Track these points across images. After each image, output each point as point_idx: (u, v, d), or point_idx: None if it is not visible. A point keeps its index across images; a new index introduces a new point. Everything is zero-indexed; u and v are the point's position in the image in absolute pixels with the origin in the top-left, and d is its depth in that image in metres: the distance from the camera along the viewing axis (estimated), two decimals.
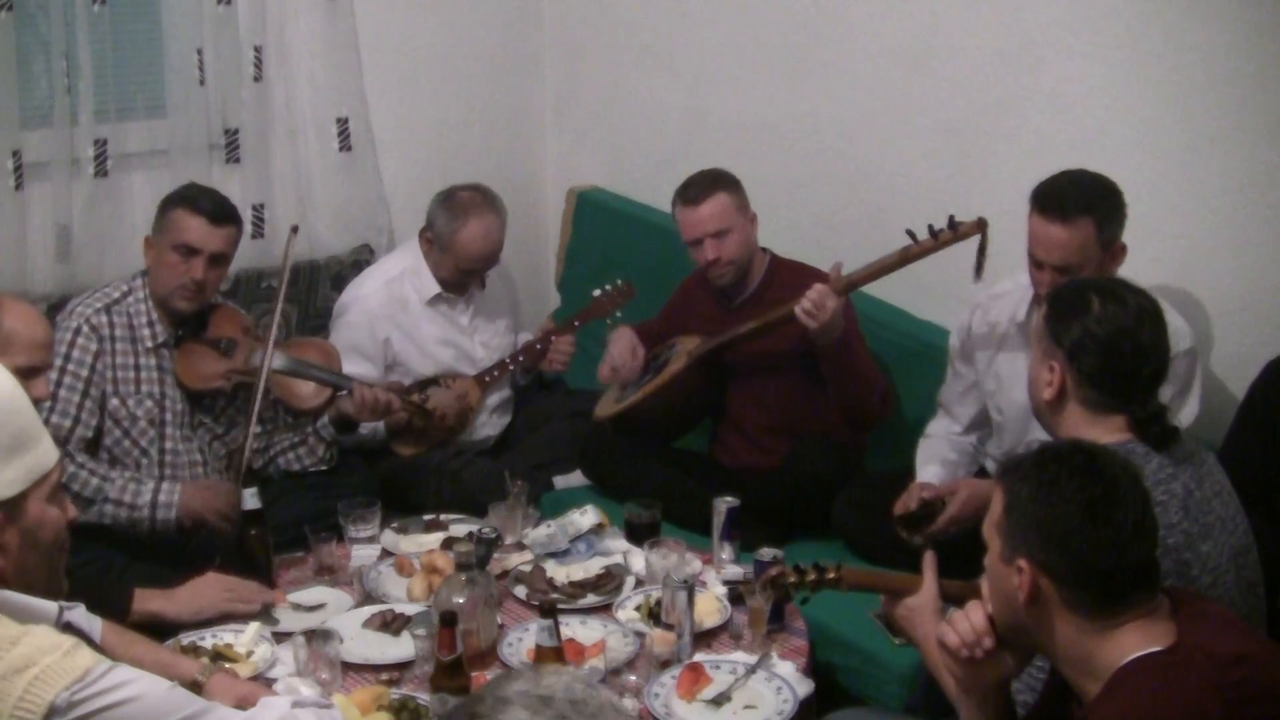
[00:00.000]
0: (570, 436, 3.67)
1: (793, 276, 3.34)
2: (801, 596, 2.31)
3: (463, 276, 3.64)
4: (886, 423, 3.32)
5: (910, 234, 2.85)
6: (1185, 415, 2.69)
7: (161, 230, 3.10)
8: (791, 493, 3.19)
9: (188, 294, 3.10)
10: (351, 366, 3.51)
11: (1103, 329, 2.11)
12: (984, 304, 3.09)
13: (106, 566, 2.97)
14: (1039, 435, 2.84)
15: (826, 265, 3.61)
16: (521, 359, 3.73)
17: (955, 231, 2.77)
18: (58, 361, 3.00)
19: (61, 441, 2.96)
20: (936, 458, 3.06)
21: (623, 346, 3.51)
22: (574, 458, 3.59)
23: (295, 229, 3.34)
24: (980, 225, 2.73)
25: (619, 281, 3.73)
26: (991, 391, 3.03)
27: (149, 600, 2.62)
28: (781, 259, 3.44)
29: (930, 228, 2.83)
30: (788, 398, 3.33)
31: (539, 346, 3.73)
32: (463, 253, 3.57)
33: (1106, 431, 2.10)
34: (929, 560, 2.28)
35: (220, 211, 3.11)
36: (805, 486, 3.18)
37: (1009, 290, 3.04)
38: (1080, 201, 2.66)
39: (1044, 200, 2.68)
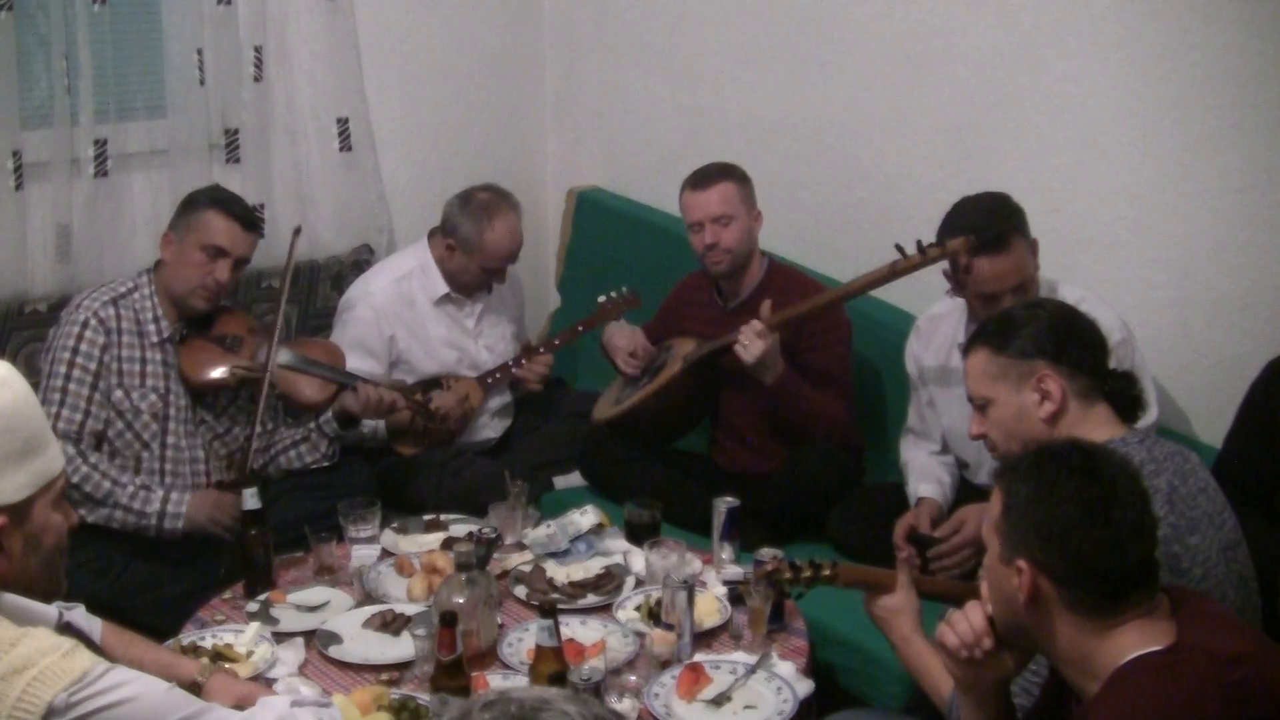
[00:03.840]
0: (570, 437, 3.68)
1: (789, 282, 3.35)
2: (796, 592, 2.31)
3: (487, 276, 3.66)
4: (886, 432, 3.32)
5: (899, 248, 2.86)
6: (1149, 407, 2.68)
7: (188, 229, 3.11)
8: (789, 499, 3.19)
9: (208, 294, 3.12)
10: (356, 362, 3.52)
11: (1056, 317, 2.18)
12: (924, 327, 3.11)
13: (106, 566, 2.98)
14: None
15: (825, 265, 3.64)
16: (499, 376, 3.73)
17: (943, 248, 2.79)
18: (66, 355, 3.01)
19: (74, 436, 2.98)
20: (931, 475, 3.06)
21: (624, 335, 3.52)
22: (574, 458, 3.59)
23: (298, 230, 3.34)
24: (968, 244, 2.75)
25: (625, 290, 3.73)
26: (940, 413, 3.07)
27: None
28: (779, 264, 3.44)
29: (919, 243, 2.83)
30: None
31: (512, 366, 3.71)
32: (492, 253, 3.59)
33: (1098, 425, 2.11)
34: (903, 561, 2.29)
35: (250, 218, 3.18)
36: (803, 494, 3.18)
37: (947, 311, 3.06)
38: (1006, 226, 2.75)
39: (976, 239, 2.74)
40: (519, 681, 2.43)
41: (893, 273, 2.91)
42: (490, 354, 3.77)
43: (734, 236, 3.31)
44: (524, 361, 3.71)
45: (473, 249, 3.59)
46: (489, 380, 3.70)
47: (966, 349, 2.28)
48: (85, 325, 3.05)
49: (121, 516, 3.00)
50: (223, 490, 3.07)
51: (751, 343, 3.06)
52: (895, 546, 2.85)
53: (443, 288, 3.67)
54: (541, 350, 3.75)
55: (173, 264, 3.13)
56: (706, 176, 3.35)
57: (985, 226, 2.75)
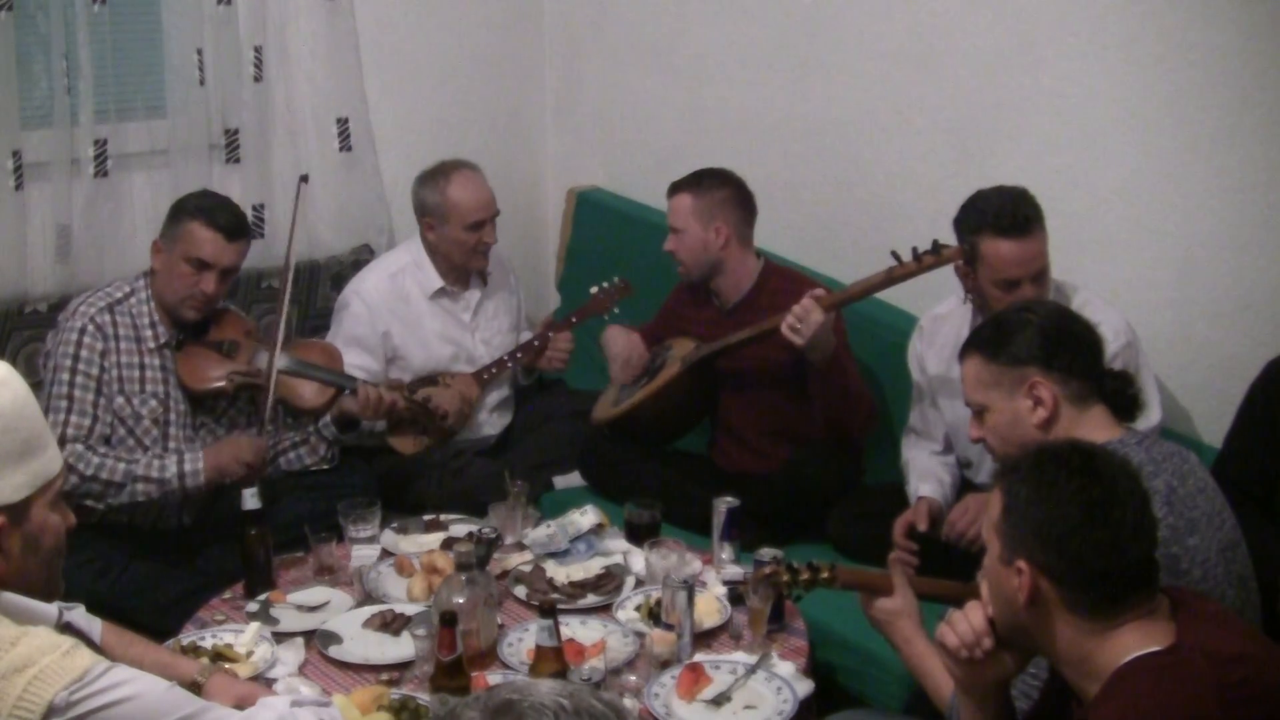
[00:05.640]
0: (570, 436, 3.68)
1: (785, 283, 3.34)
2: (795, 594, 2.32)
3: (476, 240, 3.59)
4: (886, 432, 3.31)
5: (895, 255, 2.85)
6: (1150, 409, 2.67)
7: (174, 239, 3.09)
8: (789, 500, 3.19)
9: (197, 305, 3.12)
10: (351, 358, 3.52)
11: (1048, 322, 2.17)
12: (927, 327, 3.11)
13: (106, 566, 2.98)
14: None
15: (825, 265, 3.64)
16: (520, 357, 3.73)
17: (938, 255, 2.78)
18: (68, 362, 3.01)
19: (83, 440, 2.97)
20: (932, 475, 3.05)
21: (620, 342, 3.52)
22: (574, 458, 3.59)
23: (305, 178, 3.34)
24: (964, 252, 2.75)
25: (616, 279, 3.73)
26: (943, 412, 3.07)
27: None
28: (775, 265, 3.43)
29: (914, 250, 2.83)
30: (782, 404, 3.32)
31: (537, 344, 3.73)
32: (462, 207, 3.57)
33: (1095, 428, 2.11)
34: (894, 561, 2.30)
35: (235, 226, 3.12)
36: (803, 494, 3.18)
37: (951, 310, 3.05)
38: (1030, 212, 2.75)
39: (1001, 222, 2.73)
40: None
41: (889, 279, 2.90)
42: (487, 348, 3.76)
43: (684, 248, 3.34)
44: (550, 337, 3.70)
45: (445, 212, 3.58)
46: (485, 375, 3.69)
47: (961, 355, 2.28)
48: (83, 331, 3.04)
49: (144, 489, 3.01)
50: (239, 440, 3.13)
51: (805, 321, 2.95)
52: (896, 544, 2.85)
53: (437, 281, 3.67)
54: (555, 331, 3.74)
55: (162, 274, 3.12)
56: (674, 185, 3.39)
57: (1011, 211, 2.75)
